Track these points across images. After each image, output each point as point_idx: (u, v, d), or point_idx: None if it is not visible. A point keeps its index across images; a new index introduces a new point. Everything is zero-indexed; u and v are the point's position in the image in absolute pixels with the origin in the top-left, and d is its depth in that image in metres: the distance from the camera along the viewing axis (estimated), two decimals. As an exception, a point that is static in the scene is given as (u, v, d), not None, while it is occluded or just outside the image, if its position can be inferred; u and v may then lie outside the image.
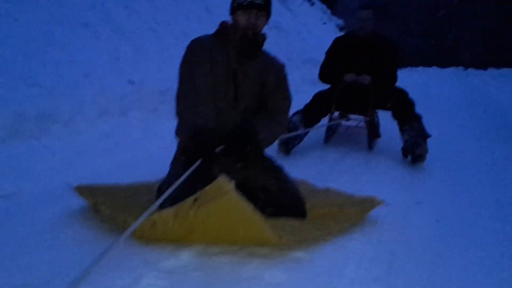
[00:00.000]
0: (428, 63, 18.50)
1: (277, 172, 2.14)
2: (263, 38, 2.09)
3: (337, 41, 3.94)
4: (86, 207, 2.13)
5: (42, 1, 4.28)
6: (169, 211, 1.70)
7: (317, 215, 2.12)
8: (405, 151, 3.43)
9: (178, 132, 2.10)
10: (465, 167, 3.56)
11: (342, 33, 5.21)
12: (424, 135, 3.38)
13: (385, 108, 3.69)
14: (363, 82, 3.57)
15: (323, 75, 3.80)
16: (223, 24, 2.12)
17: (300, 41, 9.63)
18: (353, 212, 2.16)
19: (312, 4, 14.48)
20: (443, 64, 19.09)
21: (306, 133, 3.52)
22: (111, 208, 2.01)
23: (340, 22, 16.91)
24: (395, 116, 3.59)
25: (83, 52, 4.14)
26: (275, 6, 9.84)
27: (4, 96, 3.14)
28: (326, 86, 3.86)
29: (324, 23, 14.28)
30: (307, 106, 3.59)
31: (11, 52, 3.61)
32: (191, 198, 1.67)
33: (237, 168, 1.98)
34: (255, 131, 1.99)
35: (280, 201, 2.02)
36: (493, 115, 6.11)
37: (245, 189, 1.74)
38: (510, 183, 3.20)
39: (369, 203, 2.24)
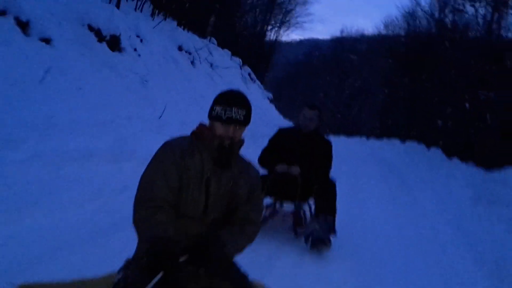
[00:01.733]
0: (337, 133, 23.77)
1: (243, 282, 2.03)
2: (239, 145, 2.02)
3: (280, 132, 4.22)
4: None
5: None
6: None
7: None
8: (309, 239, 3.68)
9: (138, 242, 1.92)
10: (368, 199, 5.85)
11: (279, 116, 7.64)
12: (331, 231, 3.71)
13: (311, 195, 3.94)
14: (293, 173, 3.86)
15: (262, 161, 4.00)
16: (200, 128, 2.04)
17: (260, 114, 13.84)
18: None
19: (254, 81, 19.19)
20: (349, 134, 24.49)
21: None
22: None
23: (270, 95, 21.89)
24: (316, 202, 3.87)
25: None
26: (241, 86, 14.25)
27: None
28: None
29: (264, 98, 19.01)
30: None
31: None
32: None
33: (201, 275, 1.86)
34: (221, 243, 1.89)
35: None
36: (384, 167, 10.56)
37: None
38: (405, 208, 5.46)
39: None
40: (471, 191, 6.25)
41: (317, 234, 3.61)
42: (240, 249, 2.00)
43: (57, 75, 5.05)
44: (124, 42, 6.91)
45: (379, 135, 20.96)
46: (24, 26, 5.08)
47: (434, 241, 4.46)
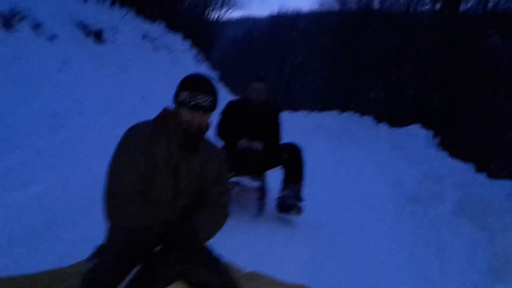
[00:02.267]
0: (281, 109, 25.55)
1: (217, 265, 2.06)
2: (206, 130, 2.01)
3: (231, 104, 4.27)
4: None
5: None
6: None
7: None
8: (281, 206, 3.95)
9: (109, 231, 1.94)
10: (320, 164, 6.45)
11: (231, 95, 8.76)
12: (300, 198, 3.93)
13: (277, 165, 4.06)
14: (256, 148, 3.95)
15: (220, 134, 4.10)
16: (165, 112, 2.03)
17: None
18: None
19: (202, 62, 20.66)
20: (292, 108, 26.39)
21: None
22: None
23: (216, 74, 23.29)
24: (284, 172, 4.01)
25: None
26: (196, 68, 15.75)
27: None
28: None
29: (212, 78, 20.55)
30: None
31: None
32: None
33: (174, 260, 1.89)
34: (194, 231, 1.94)
35: None
36: (325, 133, 12.52)
37: (185, 284, 1.77)
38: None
39: None
40: (389, 143, 8.37)
41: (289, 201, 3.90)
42: (212, 234, 2.05)
43: (67, 66, 6.46)
44: (105, 35, 8.31)
45: (320, 109, 23.09)
46: (36, 27, 6.43)
47: (363, 177, 6.40)
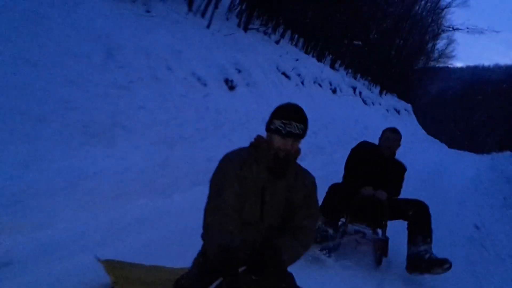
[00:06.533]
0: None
1: None
2: (296, 156, 2.26)
3: (363, 144, 4.48)
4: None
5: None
6: None
7: None
8: (417, 265, 3.80)
9: (204, 239, 2.20)
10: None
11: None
12: (432, 258, 3.75)
13: (398, 218, 4.11)
14: (380, 198, 4.05)
15: (346, 174, 4.34)
16: (258, 140, 2.31)
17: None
18: None
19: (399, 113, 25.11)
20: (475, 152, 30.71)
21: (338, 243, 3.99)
22: None
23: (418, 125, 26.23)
24: (411, 227, 4.01)
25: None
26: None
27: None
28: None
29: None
30: (324, 204, 3.95)
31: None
32: None
33: (255, 281, 2.03)
34: (278, 253, 2.08)
35: None
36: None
37: None
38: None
39: None
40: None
41: (428, 257, 3.77)
42: (296, 257, 2.22)
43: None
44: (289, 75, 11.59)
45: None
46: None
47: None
